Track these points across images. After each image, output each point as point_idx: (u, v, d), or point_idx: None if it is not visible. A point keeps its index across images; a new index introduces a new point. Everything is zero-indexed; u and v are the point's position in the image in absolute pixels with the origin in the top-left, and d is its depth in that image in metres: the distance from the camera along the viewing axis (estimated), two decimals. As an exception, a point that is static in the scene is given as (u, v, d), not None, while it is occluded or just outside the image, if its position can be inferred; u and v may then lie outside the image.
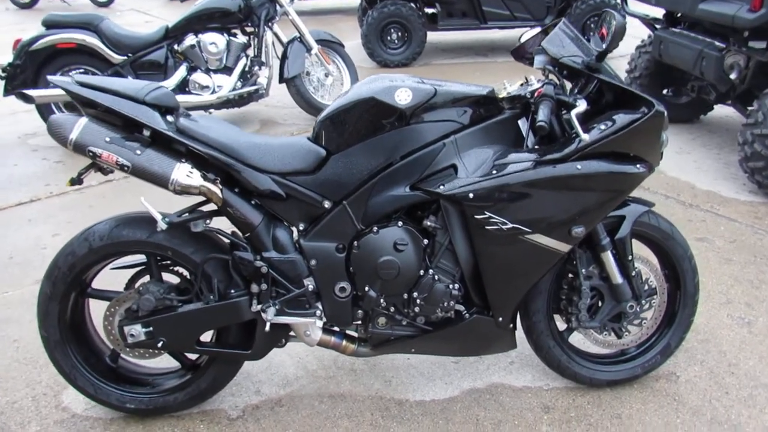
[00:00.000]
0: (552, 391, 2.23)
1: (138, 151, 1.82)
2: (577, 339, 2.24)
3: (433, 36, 7.27)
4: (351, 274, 1.92)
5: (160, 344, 1.98)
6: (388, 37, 6.68)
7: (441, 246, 1.90)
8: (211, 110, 4.82)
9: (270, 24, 4.81)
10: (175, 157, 1.84)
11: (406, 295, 1.92)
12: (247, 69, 4.76)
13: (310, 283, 1.94)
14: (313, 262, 1.92)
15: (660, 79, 4.71)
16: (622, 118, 1.80)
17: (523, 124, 1.92)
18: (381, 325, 1.99)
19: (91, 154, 1.82)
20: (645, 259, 2.13)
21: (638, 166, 1.86)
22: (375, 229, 1.89)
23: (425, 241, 1.90)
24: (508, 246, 1.85)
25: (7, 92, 4.52)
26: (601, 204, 1.86)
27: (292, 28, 4.84)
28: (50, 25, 4.51)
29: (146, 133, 1.85)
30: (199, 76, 4.67)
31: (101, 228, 1.95)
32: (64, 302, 1.99)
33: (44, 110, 4.64)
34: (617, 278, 2.04)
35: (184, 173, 1.82)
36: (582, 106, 1.79)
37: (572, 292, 2.06)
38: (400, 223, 1.88)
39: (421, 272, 1.90)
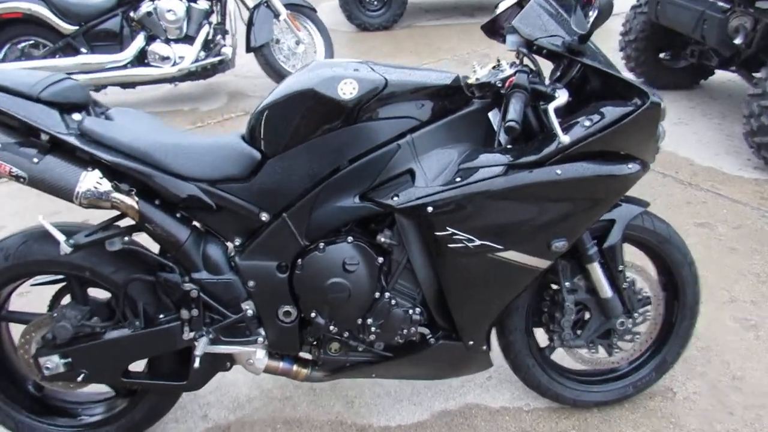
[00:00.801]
0: (533, 412, 1.99)
1: (35, 159, 1.53)
2: (561, 354, 1.99)
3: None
4: (296, 297, 1.65)
5: (80, 377, 1.72)
6: (368, -1, 6.26)
7: (398, 265, 1.62)
8: (175, 83, 4.48)
9: (233, -12, 4.42)
10: (81, 165, 1.55)
11: (360, 321, 1.65)
12: (210, 38, 4.39)
13: (249, 308, 1.67)
14: (251, 283, 1.65)
15: (656, 42, 4.35)
16: (610, 112, 1.50)
17: (494, 116, 1.62)
18: (334, 351, 1.73)
19: (-14, 164, 1.53)
20: (638, 267, 1.87)
21: (630, 165, 1.57)
22: (321, 245, 1.60)
23: (380, 260, 1.62)
24: (476, 265, 1.57)
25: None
26: (587, 212, 1.58)
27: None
28: (-8, -7, 4.12)
29: (44, 137, 1.55)
30: (158, 47, 4.31)
31: (9, 244, 1.67)
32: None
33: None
34: (606, 292, 1.77)
35: (91, 184, 1.53)
36: (562, 97, 1.49)
37: (554, 307, 1.80)
38: (350, 239, 1.60)
39: (377, 295, 1.63)
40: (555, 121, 1.43)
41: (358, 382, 2.12)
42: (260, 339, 1.70)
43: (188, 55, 4.34)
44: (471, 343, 1.72)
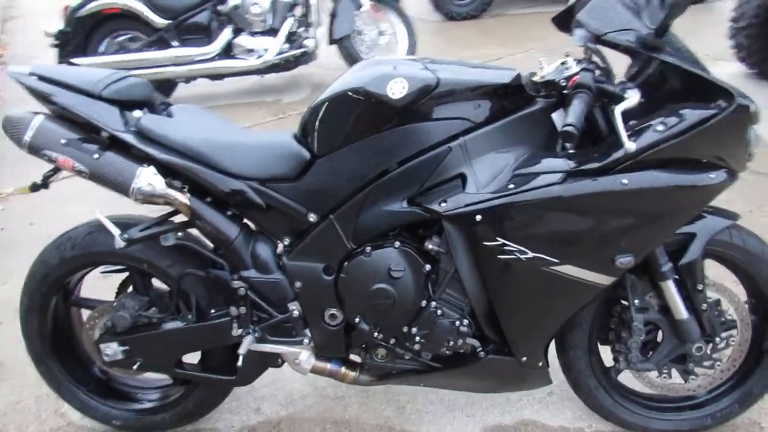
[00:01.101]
0: (595, 435, 1.85)
1: (96, 155, 1.58)
2: (630, 375, 1.82)
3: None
4: (341, 300, 1.61)
5: (136, 365, 1.78)
6: (456, -14, 6.10)
7: (446, 274, 1.54)
8: (262, 75, 4.58)
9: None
10: (137, 162, 1.58)
11: (405, 329, 1.59)
12: (293, 30, 4.43)
13: (295, 308, 1.65)
14: (298, 284, 1.63)
15: (774, 31, 3.94)
16: (688, 115, 1.34)
17: (558, 117, 1.49)
18: (380, 357, 1.68)
19: (46, 157, 1.60)
20: (722, 286, 1.67)
21: (713, 175, 1.40)
22: (368, 249, 1.55)
23: (428, 267, 1.54)
24: (528, 279, 1.46)
25: (61, 60, 4.47)
26: (659, 226, 1.42)
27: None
28: (96, -12, 4.37)
29: (104, 134, 1.60)
30: (243, 39, 4.41)
31: (75, 234, 1.75)
32: (42, 313, 1.82)
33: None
34: (681, 313, 1.60)
35: (146, 181, 1.56)
36: (633, 98, 1.34)
37: (622, 326, 1.65)
38: (397, 244, 1.54)
39: (423, 303, 1.56)
40: (621, 125, 1.29)
41: (411, 387, 2.06)
42: (306, 340, 1.68)
43: (272, 47, 4.41)
44: (524, 359, 1.61)
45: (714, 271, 1.66)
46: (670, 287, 1.58)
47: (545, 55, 5.07)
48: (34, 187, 1.70)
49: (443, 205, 1.44)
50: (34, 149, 1.60)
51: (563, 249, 1.42)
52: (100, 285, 1.92)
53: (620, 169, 1.36)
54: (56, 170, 1.68)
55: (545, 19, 6.56)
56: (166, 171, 1.59)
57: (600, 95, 1.39)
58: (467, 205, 1.41)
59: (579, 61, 1.47)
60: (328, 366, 1.75)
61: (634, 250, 1.43)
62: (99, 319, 1.81)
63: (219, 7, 4.41)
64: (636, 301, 1.61)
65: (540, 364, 1.65)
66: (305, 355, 1.68)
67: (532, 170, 1.41)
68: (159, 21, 4.35)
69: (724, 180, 1.41)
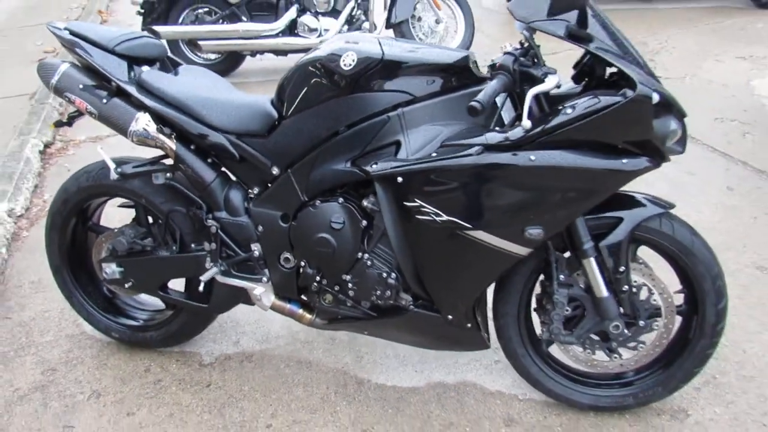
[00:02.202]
0: (526, 402, 1.97)
1: (104, 100, 1.88)
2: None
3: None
4: (293, 246, 1.83)
5: (128, 284, 2.08)
6: (528, -22, 6.07)
7: (379, 230, 1.71)
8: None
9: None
10: (137, 109, 1.86)
11: (343, 277, 1.78)
12: (354, 13, 4.66)
13: (256, 249, 1.89)
14: (260, 228, 1.86)
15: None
16: (594, 101, 1.44)
17: (499, 98, 1.62)
18: (328, 302, 1.88)
19: (67, 99, 1.91)
20: (651, 273, 1.74)
21: (625, 160, 1.49)
22: (317, 202, 1.76)
23: (364, 223, 1.73)
24: (445, 241, 1.61)
25: (143, 28, 4.93)
26: (566, 203, 1.53)
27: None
28: (180, -35, 4.78)
29: (112, 83, 1.89)
30: (307, 19, 4.68)
31: (91, 168, 2.07)
32: (62, 233, 2.16)
33: (172, 45, 5.00)
34: (601, 291, 1.69)
35: (142, 125, 1.84)
36: (549, 82, 1.46)
37: (548, 299, 1.77)
38: (341, 200, 1.73)
39: (359, 255, 1.75)
40: (526, 105, 1.42)
41: (373, 339, 2.25)
42: (264, 279, 1.91)
43: (333, 27, 4.66)
44: (450, 317, 1.76)
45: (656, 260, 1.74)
46: (592, 265, 1.67)
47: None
48: (59, 123, 2.03)
49: (374, 166, 1.62)
50: (58, 91, 1.92)
51: (476, 215, 1.56)
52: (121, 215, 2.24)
53: (533, 146, 1.48)
54: (79, 112, 2.00)
55: (618, 17, 6.43)
56: (160, 119, 1.86)
57: (524, 78, 1.51)
58: (392, 168, 1.58)
59: (516, 47, 1.59)
60: (288, 306, 1.97)
61: (543, 224, 1.55)
62: (105, 242, 2.12)
63: (288, -14, 4.71)
64: (561, 277, 1.71)
65: (468, 325, 1.79)
66: (261, 290, 1.91)
67: (456, 142, 1.56)
68: (231, -4, 4.70)
69: (639, 167, 1.50)
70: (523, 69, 1.51)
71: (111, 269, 2.08)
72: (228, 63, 5.02)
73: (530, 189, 1.52)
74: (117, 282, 2.09)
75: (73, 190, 2.08)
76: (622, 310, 1.71)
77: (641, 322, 1.74)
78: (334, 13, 4.68)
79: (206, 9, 4.87)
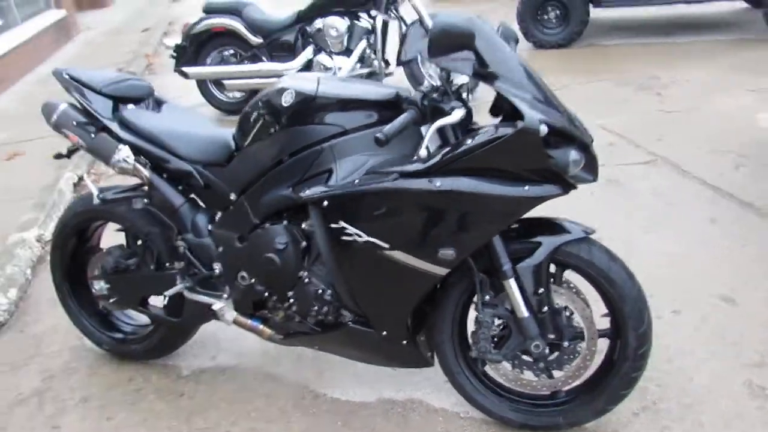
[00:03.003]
0: (466, 420, 2.06)
1: (92, 135, 2.14)
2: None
3: (601, 12, 6.58)
4: (247, 265, 2.02)
5: (113, 299, 2.31)
6: (545, 16, 6.23)
7: (316, 250, 1.88)
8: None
9: (392, 8, 4.88)
10: (119, 142, 2.12)
11: (287, 294, 1.95)
12: (366, 53, 4.92)
13: (218, 267, 2.08)
14: (220, 248, 2.06)
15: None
16: (491, 133, 1.59)
17: (424, 129, 1.78)
18: (279, 318, 2.05)
19: (64, 134, 2.19)
20: (574, 296, 1.83)
21: (527, 187, 1.62)
22: (266, 225, 1.95)
23: (304, 243, 1.90)
24: (368, 260, 1.76)
25: (176, 69, 5.35)
26: (474, 227, 1.66)
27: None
28: (209, 10, 5.19)
29: (98, 120, 2.15)
30: (322, 58, 4.98)
31: (86, 196, 2.33)
32: (62, 253, 2.43)
33: (201, 85, 5.39)
34: (522, 311, 1.79)
35: (122, 156, 2.09)
36: (454, 116, 1.61)
37: (477, 319, 1.88)
38: (285, 223, 1.92)
39: (300, 274, 1.92)
40: (426, 137, 1.58)
41: (336, 357, 2.39)
42: (225, 295, 2.10)
43: (345, 66, 4.93)
44: (384, 333, 1.90)
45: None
46: (512, 286, 1.78)
47: (616, 86, 5.12)
48: (58, 156, 2.30)
49: (306, 192, 1.80)
50: (57, 127, 2.20)
51: (392, 236, 1.71)
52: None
53: (441, 173, 1.63)
54: (77, 147, 2.28)
55: (639, 52, 6.61)
56: (138, 151, 2.11)
57: (434, 111, 1.67)
58: (319, 193, 1.76)
59: (436, 84, 1.75)
60: (249, 322, 2.15)
61: (455, 245, 1.68)
62: (96, 261, 2.37)
63: (306, 29, 5.03)
64: (487, 297, 1.83)
65: (404, 342, 1.92)
66: (220, 305, 2.10)
67: (378, 170, 1.72)
68: (254, 39, 5.05)
69: (543, 194, 1.62)
70: (433, 104, 1.66)
71: (100, 285, 2.32)
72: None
73: (438, 212, 1.65)
74: (104, 297, 2.33)
75: (70, 215, 2.35)
76: (543, 330, 1.80)
77: (565, 344, 1.82)
78: (347, 52, 4.95)
79: (231, 51, 5.25)
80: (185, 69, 5.10)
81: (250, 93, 5.30)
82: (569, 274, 1.84)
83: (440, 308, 1.91)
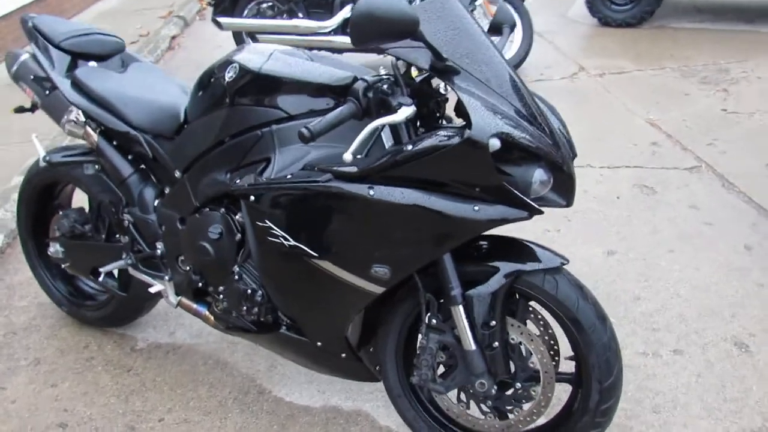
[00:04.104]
0: (409, 445, 1.86)
1: (47, 92, 2.00)
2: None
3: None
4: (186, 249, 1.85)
5: (66, 264, 2.21)
6: (616, -10, 5.67)
7: (249, 245, 1.69)
8: (384, 54, 4.82)
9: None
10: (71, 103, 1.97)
11: (219, 287, 1.78)
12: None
13: (160, 248, 1.93)
14: (163, 227, 1.91)
15: None
16: (434, 140, 1.32)
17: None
18: (220, 309, 1.89)
19: (21, 87, 2.07)
20: (532, 334, 1.57)
21: (477, 207, 1.35)
22: (204, 210, 1.77)
23: (239, 236, 1.71)
24: (297, 267, 1.54)
25: (213, 17, 5.19)
26: (412, 245, 1.42)
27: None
28: (246, -40, 4.97)
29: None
30: (358, 19, 4.69)
31: (51, 157, 2.22)
32: (27, 208, 2.34)
33: (237, 37, 5.22)
34: (468, 344, 1.55)
35: (72, 118, 1.95)
36: (398, 115, 1.35)
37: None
38: (222, 210, 1.73)
39: (233, 269, 1.73)
40: (360, 136, 1.33)
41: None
42: (166, 278, 1.95)
43: (383, 28, 4.63)
44: (319, 344, 1.70)
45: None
46: (460, 314, 1.54)
47: (678, 76, 4.62)
48: (20, 109, 2.18)
49: (237, 182, 1.59)
50: (15, 79, 2.08)
51: (321, 244, 1.48)
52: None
53: (378, 179, 1.39)
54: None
55: (714, 37, 5.95)
56: (87, 115, 1.95)
57: (380, 106, 1.41)
58: (247, 186, 1.55)
59: (383, 74, 1.49)
60: (194, 306, 1.99)
61: (389, 264, 1.44)
62: (56, 223, 2.27)
63: (345, -15, 4.74)
64: (434, 321, 1.60)
65: (343, 355, 1.72)
66: (158, 288, 1.95)
67: (317, 166, 1.49)
68: (292, -7, 4.82)
69: (495, 216, 1.35)
70: (380, 97, 1.41)
71: (55, 248, 2.22)
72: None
73: (372, 224, 1.42)
74: (59, 260, 2.23)
75: (33, 171, 2.24)
76: (492, 368, 1.56)
77: (517, 385, 1.58)
78: (387, 15, 4.65)
79: (269, 3, 5.02)
80: (219, 19, 4.92)
81: (285, 50, 5.10)
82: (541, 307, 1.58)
83: (386, 325, 1.70)
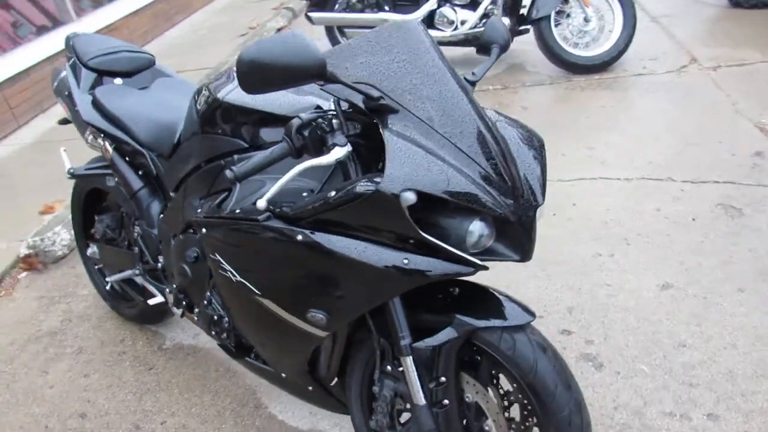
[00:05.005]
0: (381, 485, 1.78)
1: (76, 108, 2.14)
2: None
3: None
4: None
5: (100, 265, 2.38)
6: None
7: None
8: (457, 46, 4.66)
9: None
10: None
11: (195, 309, 1.80)
12: (489, 8, 4.36)
13: (161, 261, 2.00)
14: (162, 243, 1.97)
15: None
16: (354, 188, 1.20)
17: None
18: (203, 328, 1.92)
19: (60, 102, 2.23)
20: (487, 395, 1.42)
21: (407, 259, 1.23)
22: (188, 231, 1.79)
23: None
24: (246, 303, 1.51)
25: (307, 11, 5.28)
26: (347, 294, 1.32)
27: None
28: (341, -48, 4.97)
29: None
30: (446, 10, 4.52)
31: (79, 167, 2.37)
32: (78, 212, 2.54)
33: (329, 32, 5.27)
34: (417, 398, 1.43)
35: (91, 134, 2.07)
36: (331, 156, 1.25)
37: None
38: (198, 234, 1.74)
39: (206, 292, 1.75)
40: (282, 180, 1.25)
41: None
42: (168, 290, 2.02)
43: (469, 20, 4.44)
44: (284, 375, 1.67)
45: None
46: (409, 365, 1.42)
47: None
48: (63, 122, 2.35)
49: (198, 210, 1.59)
50: (55, 94, 2.24)
51: (261, 283, 1.44)
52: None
53: (309, 223, 1.31)
54: None
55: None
56: (101, 132, 2.06)
57: (320, 144, 1.32)
58: (201, 217, 1.54)
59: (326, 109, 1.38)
60: (195, 319, 2.06)
61: (326, 310, 1.36)
62: (96, 225, 2.44)
63: (432, -22, 4.59)
64: (389, 367, 1.50)
65: (310, 388, 1.68)
66: (157, 301, 2.03)
67: (277, 199, 1.44)
68: (383, -14, 4.76)
69: (431, 270, 1.22)
70: (317, 135, 1.32)
71: (92, 249, 2.39)
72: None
73: (302, 268, 1.34)
74: (96, 261, 2.41)
75: (79, 179, 2.42)
76: (442, 426, 1.44)
77: (469, 446, 1.45)
78: (473, 5, 4.44)
79: (360, -3, 5.01)
80: (311, 14, 5.00)
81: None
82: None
83: (352, 363, 1.63)
